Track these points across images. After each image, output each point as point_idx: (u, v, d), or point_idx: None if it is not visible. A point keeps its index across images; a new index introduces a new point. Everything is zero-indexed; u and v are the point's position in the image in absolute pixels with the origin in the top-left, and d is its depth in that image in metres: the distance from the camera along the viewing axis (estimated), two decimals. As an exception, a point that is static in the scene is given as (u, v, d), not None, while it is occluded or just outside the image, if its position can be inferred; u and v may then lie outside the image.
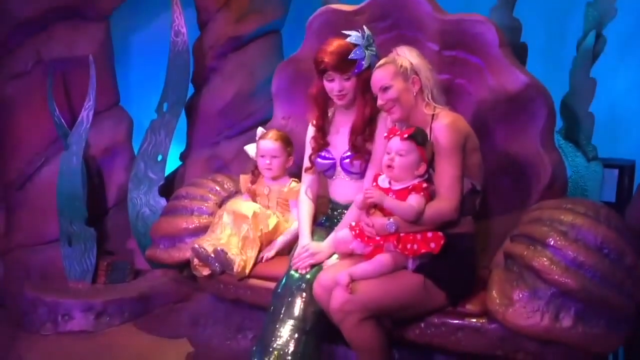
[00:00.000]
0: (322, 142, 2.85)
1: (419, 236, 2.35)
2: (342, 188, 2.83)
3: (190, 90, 4.15)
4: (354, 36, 2.69)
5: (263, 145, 3.08)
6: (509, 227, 2.59)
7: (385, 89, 2.49)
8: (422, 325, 2.47)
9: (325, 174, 2.90)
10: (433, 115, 2.47)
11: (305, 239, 2.78)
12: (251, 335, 3.03)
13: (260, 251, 2.94)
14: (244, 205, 2.99)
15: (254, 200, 3.11)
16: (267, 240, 2.96)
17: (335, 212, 2.86)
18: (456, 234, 2.41)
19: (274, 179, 3.10)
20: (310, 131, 2.92)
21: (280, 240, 2.97)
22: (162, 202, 3.88)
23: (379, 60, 2.60)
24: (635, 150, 3.77)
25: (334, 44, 2.68)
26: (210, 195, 3.32)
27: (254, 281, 2.89)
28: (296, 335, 2.50)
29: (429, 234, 2.35)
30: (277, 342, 2.48)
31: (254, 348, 2.58)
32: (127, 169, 4.08)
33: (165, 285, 3.77)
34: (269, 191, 3.09)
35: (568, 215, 2.35)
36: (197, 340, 3.23)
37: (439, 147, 2.41)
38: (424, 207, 2.37)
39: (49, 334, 3.44)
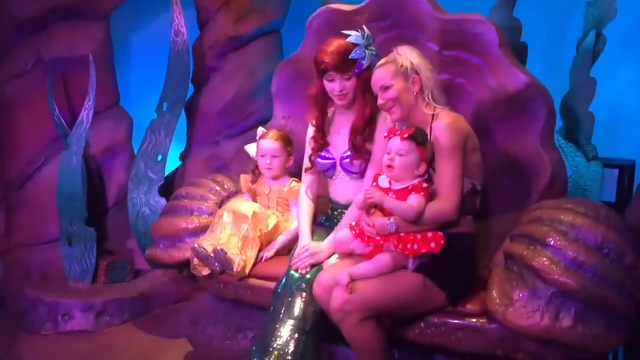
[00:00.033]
0: (321, 142, 2.85)
1: (419, 236, 2.35)
2: (342, 188, 2.83)
3: (190, 90, 4.15)
4: (353, 36, 2.69)
5: (263, 145, 3.08)
6: (509, 227, 2.59)
7: (385, 88, 2.49)
8: (422, 325, 2.47)
9: (325, 173, 2.90)
10: (433, 115, 2.47)
11: (305, 238, 2.78)
12: (251, 335, 3.03)
13: (260, 251, 2.94)
14: (244, 205, 2.99)
15: (255, 200, 3.11)
16: (266, 240, 2.97)
17: (335, 212, 2.86)
18: (456, 234, 2.41)
19: (274, 178, 3.10)
20: (310, 131, 2.92)
21: (280, 240, 2.97)
22: (162, 201, 3.88)
23: (379, 59, 2.60)
24: (635, 150, 3.76)
25: (334, 44, 2.68)
26: (210, 195, 3.32)
27: (253, 281, 2.89)
28: (296, 335, 2.50)
29: (429, 234, 2.35)
30: (277, 342, 2.48)
31: (254, 348, 2.58)
32: (127, 168, 4.08)
33: (165, 285, 3.77)
34: (269, 191, 3.09)
35: (568, 215, 2.35)
36: (197, 340, 3.23)
37: (439, 147, 2.41)
38: (424, 207, 2.37)
39: (49, 334, 3.44)
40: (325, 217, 2.93)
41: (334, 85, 2.71)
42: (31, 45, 3.88)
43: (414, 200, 2.37)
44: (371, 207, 2.47)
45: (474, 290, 2.49)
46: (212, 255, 2.83)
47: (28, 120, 3.89)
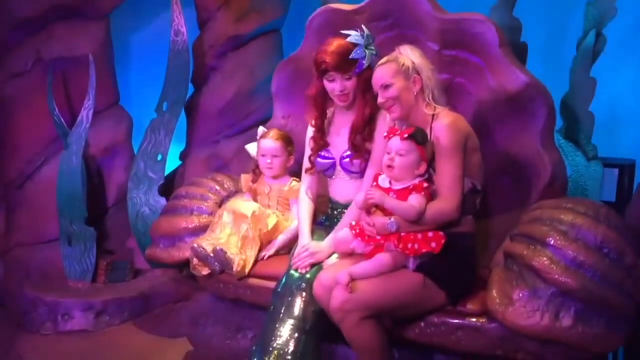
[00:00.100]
0: (321, 142, 2.85)
1: (419, 236, 2.35)
2: (342, 187, 2.83)
3: (190, 89, 4.14)
4: (353, 36, 2.69)
5: (264, 145, 3.08)
6: (509, 227, 2.59)
7: (386, 86, 2.49)
8: (422, 324, 2.47)
9: (325, 173, 2.90)
10: (433, 115, 2.47)
11: (305, 238, 2.78)
12: (251, 335, 3.03)
13: (260, 250, 2.94)
14: (244, 205, 2.99)
15: (255, 199, 3.11)
16: (266, 240, 2.97)
17: (335, 212, 2.86)
18: (456, 233, 2.41)
19: (275, 178, 3.10)
20: (310, 132, 2.92)
21: (280, 239, 2.97)
22: (162, 201, 3.88)
23: (379, 59, 2.60)
24: (635, 150, 3.76)
25: (334, 44, 2.68)
26: (210, 194, 3.32)
27: (253, 280, 2.89)
28: (296, 335, 2.50)
29: (430, 234, 2.35)
30: (277, 342, 2.48)
31: (254, 347, 2.58)
32: (127, 168, 4.08)
33: (165, 284, 3.77)
34: (270, 190, 3.10)
35: (568, 214, 2.35)
36: (197, 339, 3.23)
37: (440, 147, 2.41)
38: (425, 207, 2.37)
39: (49, 334, 3.44)
40: (325, 216, 2.93)
41: (335, 86, 2.71)
42: (31, 45, 3.88)
43: (415, 200, 2.37)
44: (372, 207, 2.47)
45: (474, 290, 2.48)
46: (211, 255, 2.83)
47: (28, 120, 3.89)
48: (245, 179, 3.18)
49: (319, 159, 2.86)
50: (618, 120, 3.93)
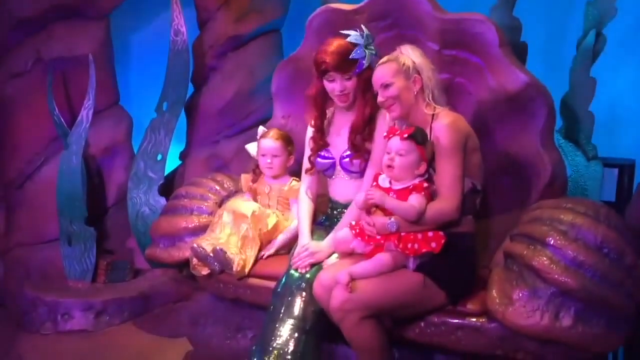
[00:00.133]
0: (321, 142, 2.85)
1: (419, 235, 2.35)
2: (342, 187, 2.83)
3: (190, 89, 4.14)
4: (353, 36, 2.69)
5: (264, 144, 3.08)
6: (509, 227, 2.59)
7: (386, 86, 2.49)
8: (422, 324, 2.47)
9: (325, 173, 2.90)
10: (433, 115, 2.47)
11: (304, 238, 2.78)
12: (251, 335, 3.03)
13: (260, 250, 2.94)
14: (244, 205, 2.99)
15: (255, 199, 3.11)
16: (266, 240, 2.97)
17: (335, 212, 2.86)
18: (456, 233, 2.41)
19: (275, 177, 3.10)
20: (309, 132, 2.92)
21: (280, 239, 2.97)
22: (162, 201, 3.88)
23: (379, 59, 2.60)
24: (635, 150, 3.76)
25: (334, 44, 2.68)
26: (210, 194, 3.32)
27: (253, 280, 2.89)
28: (296, 335, 2.50)
29: (430, 234, 2.35)
30: (277, 342, 2.48)
31: (254, 347, 2.58)
32: (127, 168, 4.08)
33: (165, 284, 3.77)
34: (270, 190, 3.10)
35: (568, 214, 2.35)
36: (196, 339, 3.23)
37: (440, 147, 2.41)
38: (425, 207, 2.37)
39: (49, 334, 3.44)
40: (325, 216, 2.93)
41: (335, 86, 2.71)
42: (31, 45, 3.88)
43: (415, 200, 2.37)
44: (372, 207, 2.47)
45: (474, 290, 2.49)
46: (211, 254, 2.83)
47: (28, 120, 3.89)
48: (245, 178, 3.18)
49: (318, 159, 2.86)
50: (618, 120, 3.93)
